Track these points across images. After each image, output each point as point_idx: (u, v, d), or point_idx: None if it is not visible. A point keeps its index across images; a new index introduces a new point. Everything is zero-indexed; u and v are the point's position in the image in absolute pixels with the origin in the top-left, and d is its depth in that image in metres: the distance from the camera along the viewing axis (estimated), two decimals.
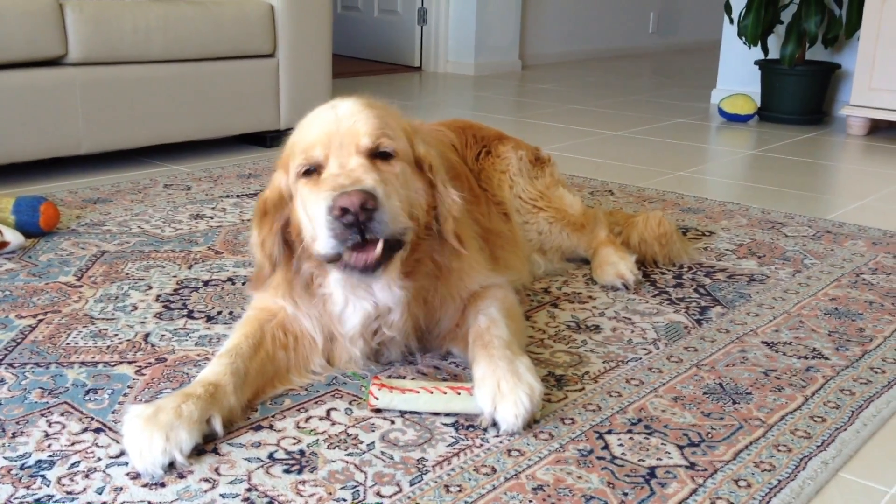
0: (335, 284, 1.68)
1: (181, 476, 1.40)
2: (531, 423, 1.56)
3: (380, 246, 1.52)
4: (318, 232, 1.55)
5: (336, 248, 1.52)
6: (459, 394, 1.60)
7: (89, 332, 1.94)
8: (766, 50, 5.07)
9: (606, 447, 1.52)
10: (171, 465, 1.41)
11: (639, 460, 1.49)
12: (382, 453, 1.48)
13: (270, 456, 1.47)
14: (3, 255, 2.40)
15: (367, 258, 1.53)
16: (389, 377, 1.74)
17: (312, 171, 1.61)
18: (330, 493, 1.37)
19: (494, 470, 1.44)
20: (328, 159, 1.59)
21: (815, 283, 2.39)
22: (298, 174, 1.62)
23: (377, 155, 1.61)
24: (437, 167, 1.72)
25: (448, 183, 1.72)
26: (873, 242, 2.76)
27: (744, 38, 4.98)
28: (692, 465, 1.47)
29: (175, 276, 2.29)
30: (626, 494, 1.39)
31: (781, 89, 4.96)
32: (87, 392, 1.67)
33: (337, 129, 1.60)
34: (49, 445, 1.48)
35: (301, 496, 1.36)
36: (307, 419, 1.59)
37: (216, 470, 1.42)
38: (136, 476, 1.40)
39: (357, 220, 1.48)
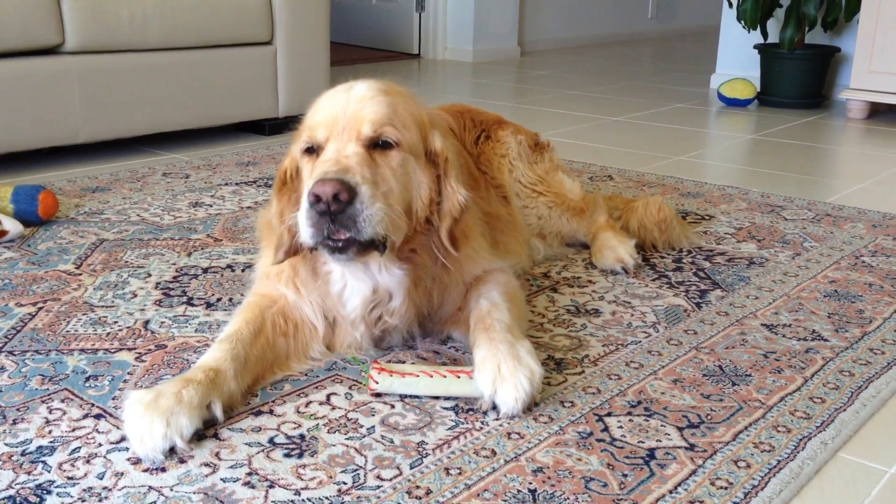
0: (333, 262, 1.67)
1: (182, 461, 1.40)
2: (531, 406, 1.57)
3: (347, 235, 1.49)
4: (300, 217, 1.53)
5: (312, 237, 1.51)
6: (459, 377, 1.60)
7: (89, 319, 1.94)
8: (765, 34, 5.06)
9: (606, 429, 1.53)
10: (172, 451, 1.41)
11: (638, 442, 1.49)
12: (382, 437, 1.49)
13: (271, 440, 1.47)
14: (3, 244, 2.40)
15: (339, 236, 1.50)
16: (389, 362, 1.74)
17: (313, 150, 1.61)
18: (330, 477, 1.37)
19: (494, 452, 1.45)
20: (328, 142, 1.58)
21: (814, 265, 2.39)
22: (301, 151, 1.63)
23: (378, 145, 1.59)
24: (451, 163, 1.69)
25: (458, 181, 1.68)
26: (873, 225, 2.76)
27: (743, 22, 4.96)
28: (692, 447, 1.48)
29: (174, 264, 2.29)
30: (625, 476, 1.39)
31: (781, 73, 4.94)
32: (88, 379, 1.67)
33: (343, 113, 1.59)
34: (50, 432, 1.48)
35: (301, 480, 1.36)
36: (307, 404, 1.60)
37: (217, 455, 1.42)
38: (136, 461, 1.40)
39: (329, 209, 1.46)
